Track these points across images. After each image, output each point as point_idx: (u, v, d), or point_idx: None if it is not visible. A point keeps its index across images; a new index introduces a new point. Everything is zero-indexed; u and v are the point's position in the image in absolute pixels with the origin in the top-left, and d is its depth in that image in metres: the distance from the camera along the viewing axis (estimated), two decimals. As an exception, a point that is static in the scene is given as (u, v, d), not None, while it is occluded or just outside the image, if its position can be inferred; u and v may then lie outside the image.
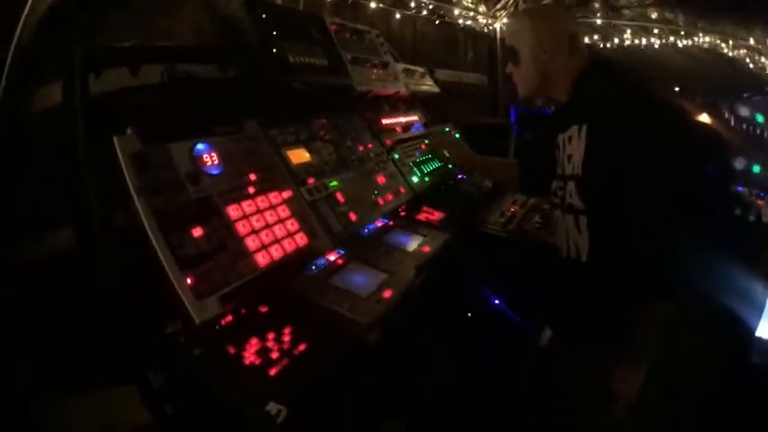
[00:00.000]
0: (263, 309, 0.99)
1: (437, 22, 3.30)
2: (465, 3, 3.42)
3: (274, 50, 1.33)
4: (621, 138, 1.11)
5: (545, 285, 1.70)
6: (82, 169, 0.84)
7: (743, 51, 3.34)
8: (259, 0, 1.37)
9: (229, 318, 0.92)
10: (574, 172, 1.24)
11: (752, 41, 3.21)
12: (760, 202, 2.52)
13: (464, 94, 3.65)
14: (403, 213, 1.74)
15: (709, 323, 1.03)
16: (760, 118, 3.48)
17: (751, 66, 3.37)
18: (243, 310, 0.95)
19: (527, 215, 2.01)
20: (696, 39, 3.37)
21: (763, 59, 3.34)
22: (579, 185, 1.22)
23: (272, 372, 0.83)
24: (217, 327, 0.89)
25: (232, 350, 0.86)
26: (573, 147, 1.25)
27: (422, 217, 1.79)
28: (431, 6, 3.14)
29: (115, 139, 0.90)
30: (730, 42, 3.30)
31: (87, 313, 0.89)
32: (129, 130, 0.93)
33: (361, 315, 1.05)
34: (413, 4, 2.98)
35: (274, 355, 0.87)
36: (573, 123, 1.26)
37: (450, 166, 2.20)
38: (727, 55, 3.39)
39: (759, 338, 1.71)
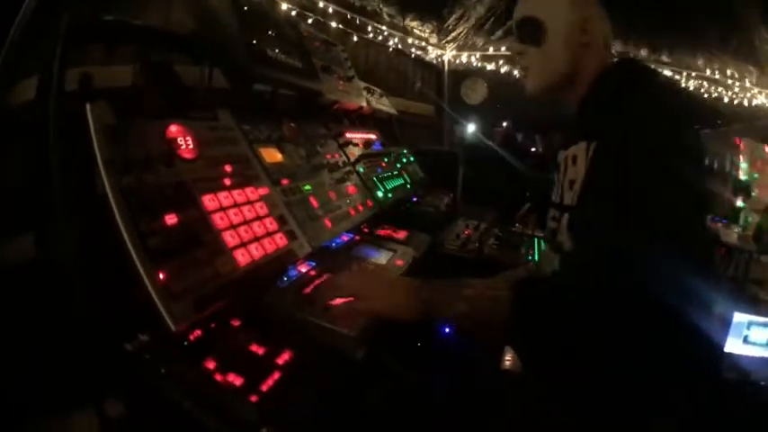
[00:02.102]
0: (236, 322, 0.86)
1: (390, 50, 3.36)
2: (417, 32, 3.52)
3: (254, 42, 1.23)
4: (630, 157, 0.78)
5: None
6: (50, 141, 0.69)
7: (698, 83, 3.68)
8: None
9: (198, 332, 0.78)
10: (573, 202, 0.95)
11: (708, 72, 3.57)
12: (716, 224, 2.80)
13: (411, 123, 3.70)
14: (365, 229, 1.68)
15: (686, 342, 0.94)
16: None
17: (705, 96, 3.70)
18: (212, 324, 0.81)
19: (482, 237, 2.02)
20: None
21: (720, 90, 3.73)
22: (572, 220, 0.95)
23: (254, 395, 0.71)
24: (185, 342, 0.75)
25: (206, 370, 0.72)
26: (577, 170, 0.95)
27: (386, 234, 1.74)
28: (386, 33, 3.19)
29: (88, 107, 0.76)
30: (684, 74, 3.61)
31: (32, 320, 0.72)
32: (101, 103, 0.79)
33: (347, 327, 0.95)
34: (369, 28, 3.01)
35: (254, 376, 0.74)
36: (581, 138, 0.95)
37: (408, 186, 2.19)
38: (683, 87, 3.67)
39: (729, 354, 1.83)
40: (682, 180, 0.75)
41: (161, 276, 0.71)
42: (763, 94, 3.78)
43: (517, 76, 4.01)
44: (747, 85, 3.74)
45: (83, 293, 0.70)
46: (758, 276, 2.63)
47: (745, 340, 1.88)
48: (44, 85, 0.74)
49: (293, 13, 2.30)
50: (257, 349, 0.80)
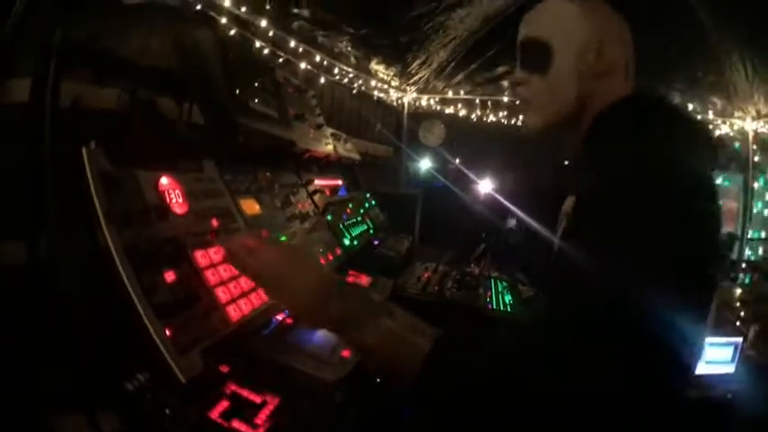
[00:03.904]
0: (224, 368, 0.88)
1: (354, 92, 3.47)
2: (381, 75, 3.67)
3: (237, 92, 1.29)
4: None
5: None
6: (45, 176, 0.70)
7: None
8: (226, 40, 1.34)
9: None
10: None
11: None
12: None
13: (371, 164, 3.81)
14: (333, 275, 1.72)
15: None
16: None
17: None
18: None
19: (442, 280, 2.12)
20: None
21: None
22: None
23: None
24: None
25: (203, 413, 0.74)
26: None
27: (351, 280, 1.79)
28: (351, 75, 3.31)
29: (84, 152, 0.77)
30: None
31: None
32: (93, 144, 0.80)
33: (327, 373, 1.00)
34: (336, 71, 3.11)
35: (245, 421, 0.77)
36: (574, 191, 0.82)
37: (371, 231, 2.27)
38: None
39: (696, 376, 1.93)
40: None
41: (168, 332, 0.74)
42: (727, 123, 3.95)
43: (474, 119, 4.23)
44: (710, 116, 3.89)
45: (84, 327, 0.70)
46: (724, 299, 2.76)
47: (707, 361, 2.09)
48: (37, 96, 0.74)
49: (266, 51, 2.32)
50: (246, 395, 0.82)
